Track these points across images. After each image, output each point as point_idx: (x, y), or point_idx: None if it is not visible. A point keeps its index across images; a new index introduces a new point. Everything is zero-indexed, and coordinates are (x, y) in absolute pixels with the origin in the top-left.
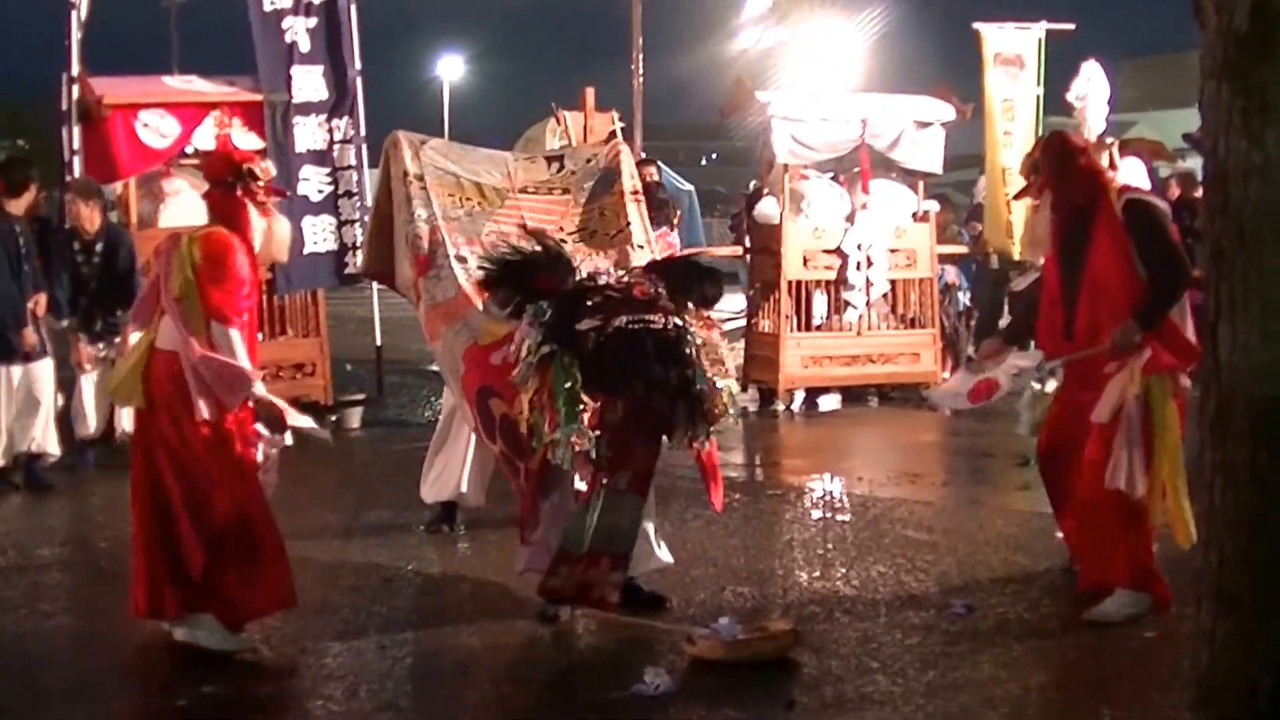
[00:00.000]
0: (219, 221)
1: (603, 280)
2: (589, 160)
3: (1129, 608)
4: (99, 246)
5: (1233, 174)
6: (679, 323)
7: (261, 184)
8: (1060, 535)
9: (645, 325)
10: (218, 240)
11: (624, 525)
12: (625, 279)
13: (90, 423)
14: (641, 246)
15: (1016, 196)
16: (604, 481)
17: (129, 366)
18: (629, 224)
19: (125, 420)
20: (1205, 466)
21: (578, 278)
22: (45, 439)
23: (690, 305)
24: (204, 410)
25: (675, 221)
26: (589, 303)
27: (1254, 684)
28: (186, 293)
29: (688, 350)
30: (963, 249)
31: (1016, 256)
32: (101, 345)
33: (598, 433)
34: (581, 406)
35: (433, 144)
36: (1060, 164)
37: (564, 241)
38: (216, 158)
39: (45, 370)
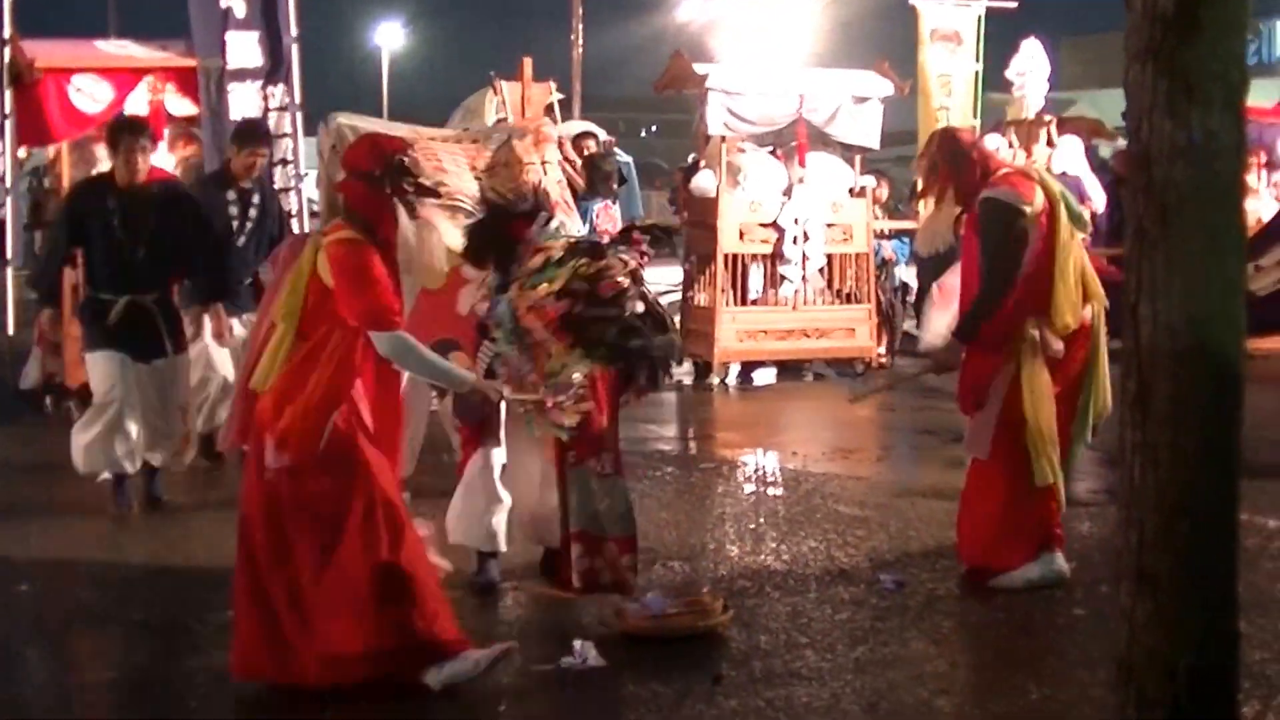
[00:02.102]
0: (353, 221)
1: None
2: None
3: (1032, 573)
4: (255, 198)
5: (1157, 155)
6: (639, 304)
7: (413, 181)
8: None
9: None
10: (347, 248)
11: (622, 509)
12: (598, 264)
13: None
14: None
15: (917, 197)
16: (591, 466)
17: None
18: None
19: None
20: (1125, 447)
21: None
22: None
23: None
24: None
25: (615, 192)
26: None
27: (1173, 664)
28: (290, 311)
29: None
30: (903, 224)
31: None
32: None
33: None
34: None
35: (342, 117)
36: (954, 159)
37: (478, 180)
38: (362, 145)
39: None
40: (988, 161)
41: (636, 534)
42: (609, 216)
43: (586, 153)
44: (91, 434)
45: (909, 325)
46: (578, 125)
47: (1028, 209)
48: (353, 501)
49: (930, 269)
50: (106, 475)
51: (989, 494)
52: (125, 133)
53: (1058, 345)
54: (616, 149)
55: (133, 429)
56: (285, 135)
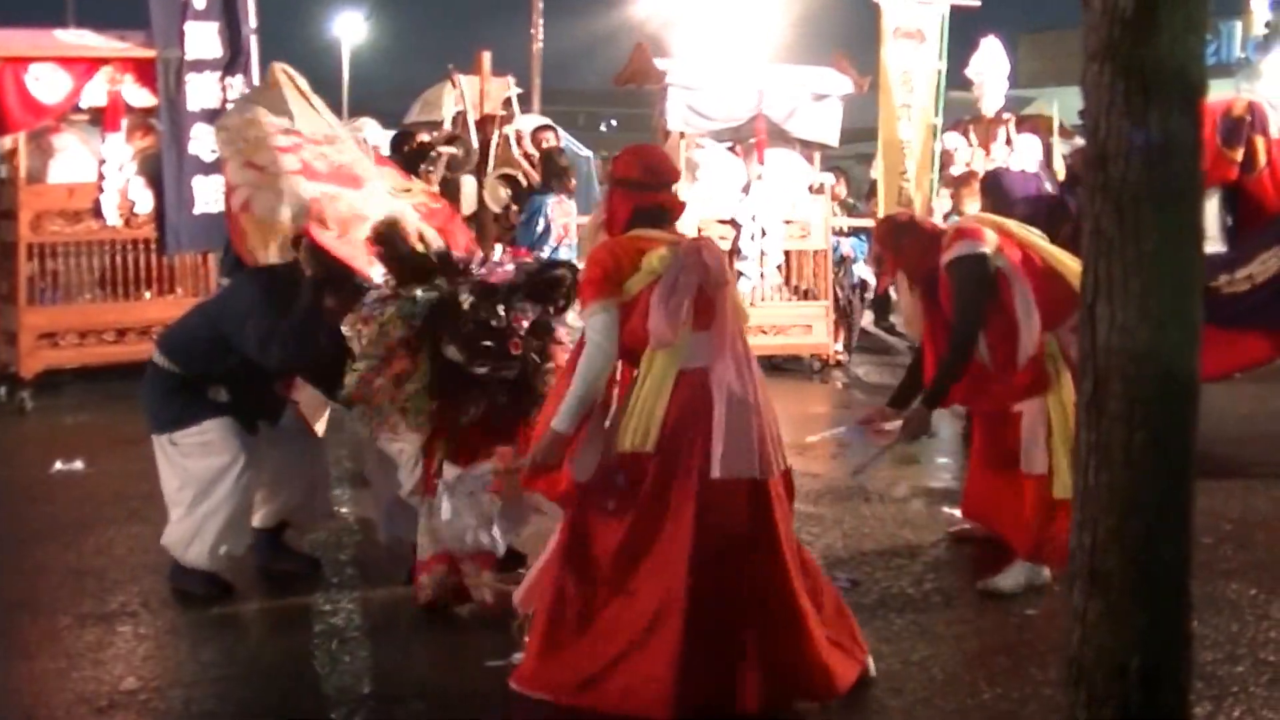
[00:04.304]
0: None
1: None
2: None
3: (1020, 579)
4: None
5: (1113, 154)
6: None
7: None
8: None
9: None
10: None
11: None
12: (506, 320)
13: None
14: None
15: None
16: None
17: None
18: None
19: None
20: (1081, 447)
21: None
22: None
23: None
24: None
25: (571, 188)
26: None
27: (1124, 663)
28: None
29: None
30: (862, 221)
31: None
32: None
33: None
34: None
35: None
36: (896, 245)
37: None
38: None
39: None
40: (928, 232)
41: (498, 553)
42: (563, 211)
43: (545, 145)
44: None
45: (866, 322)
46: (535, 119)
47: (987, 249)
48: None
49: None
50: None
51: (1024, 499)
52: None
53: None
54: (575, 142)
55: None
56: None
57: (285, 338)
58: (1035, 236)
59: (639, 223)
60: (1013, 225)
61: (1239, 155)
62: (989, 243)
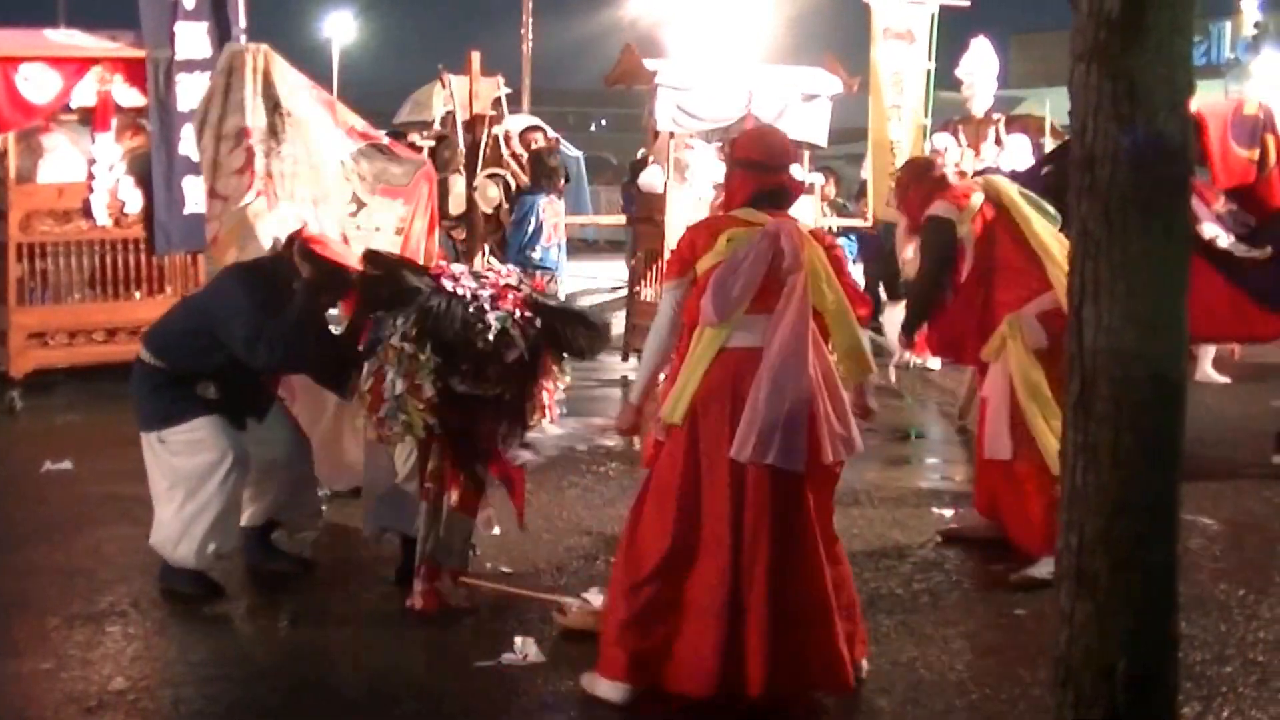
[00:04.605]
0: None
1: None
2: None
3: (1053, 566)
4: None
5: (1100, 156)
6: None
7: None
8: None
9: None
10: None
11: (457, 545)
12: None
13: None
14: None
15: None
16: (434, 496)
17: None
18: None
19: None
20: (1068, 448)
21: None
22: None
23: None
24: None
25: (561, 188)
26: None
27: (1111, 664)
28: (838, 296)
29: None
30: (852, 221)
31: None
32: None
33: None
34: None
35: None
36: (905, 188)
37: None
38: None
39: None
40: (934, 184)
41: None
42: (554, 211)
43: (533, 146)
44: None
45: None
46: (524, 119)
47: (954, 215)
48: None
49: (878, 266)
50: None
51: (1026, 493)
52: None
53: (1039, 336)
54: (564, 143)
55: None
56: None
57: (273, 340)
58: (1038, 213)
59: (757, 203)
60: (1018, 197)
61: (1256, 155)
62: (967, 209)
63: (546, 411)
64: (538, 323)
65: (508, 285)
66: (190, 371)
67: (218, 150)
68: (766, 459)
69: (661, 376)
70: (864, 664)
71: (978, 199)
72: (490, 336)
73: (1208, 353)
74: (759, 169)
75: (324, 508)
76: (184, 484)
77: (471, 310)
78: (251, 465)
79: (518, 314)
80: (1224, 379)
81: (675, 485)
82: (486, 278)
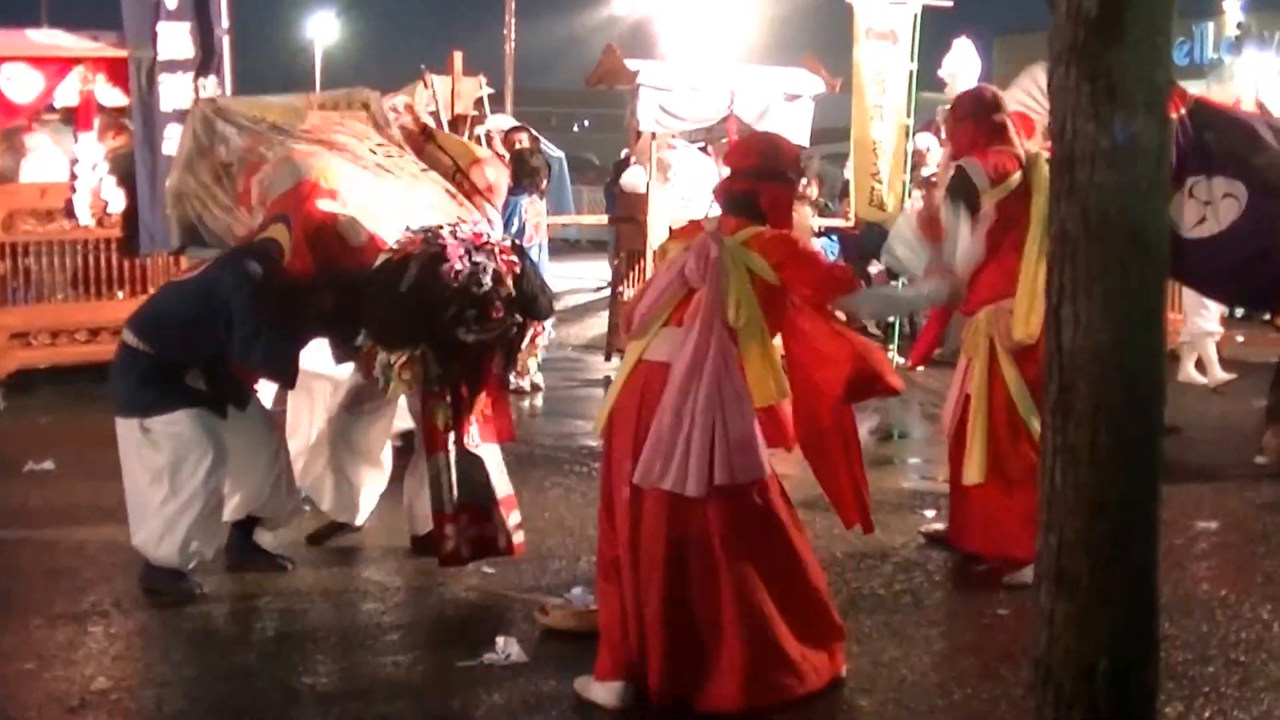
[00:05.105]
0: (764, 220)
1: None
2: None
3: None
4: None
5: (1079, 157)
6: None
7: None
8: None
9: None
10: (785, 238)
11: (481, 479)
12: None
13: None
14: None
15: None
16: (454, 441)
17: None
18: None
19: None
20: (1046, 449)
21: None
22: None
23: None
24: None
25: (543, 188)
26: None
27: (1091, 665)
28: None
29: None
30: (835, 221)
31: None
32: None
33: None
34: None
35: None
36: (957, 121)
37: (374, 151)
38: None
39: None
40: (991, 132)
41: (511, 491)
42: (535, 212)
43: (517, 146)
44: None
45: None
46: (508, 120)
47: (983, 183)
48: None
49: (860, 266)
50: None
51: (991, 488)
52: None
53: (1010, 341)
54: (547, 144)
55: None
56: None
57: (269, 349)
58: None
59: (728, 210)
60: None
61: None
62: (1001, 186)
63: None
64: (516, 260)
65: (479, 233)
66: (179, 360)
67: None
68: (663, 484)
69: None
70: (843, 666)
71: (1016, 179)
72: (486, 279)
73: (1191, 354)
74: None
75: (307, 508)
76: (165, 480)
77: (462, 263)
78: (229, 459)
79: (499, 253)
80: (1228, 375)
81: (603, 493)
82: (459, 229)
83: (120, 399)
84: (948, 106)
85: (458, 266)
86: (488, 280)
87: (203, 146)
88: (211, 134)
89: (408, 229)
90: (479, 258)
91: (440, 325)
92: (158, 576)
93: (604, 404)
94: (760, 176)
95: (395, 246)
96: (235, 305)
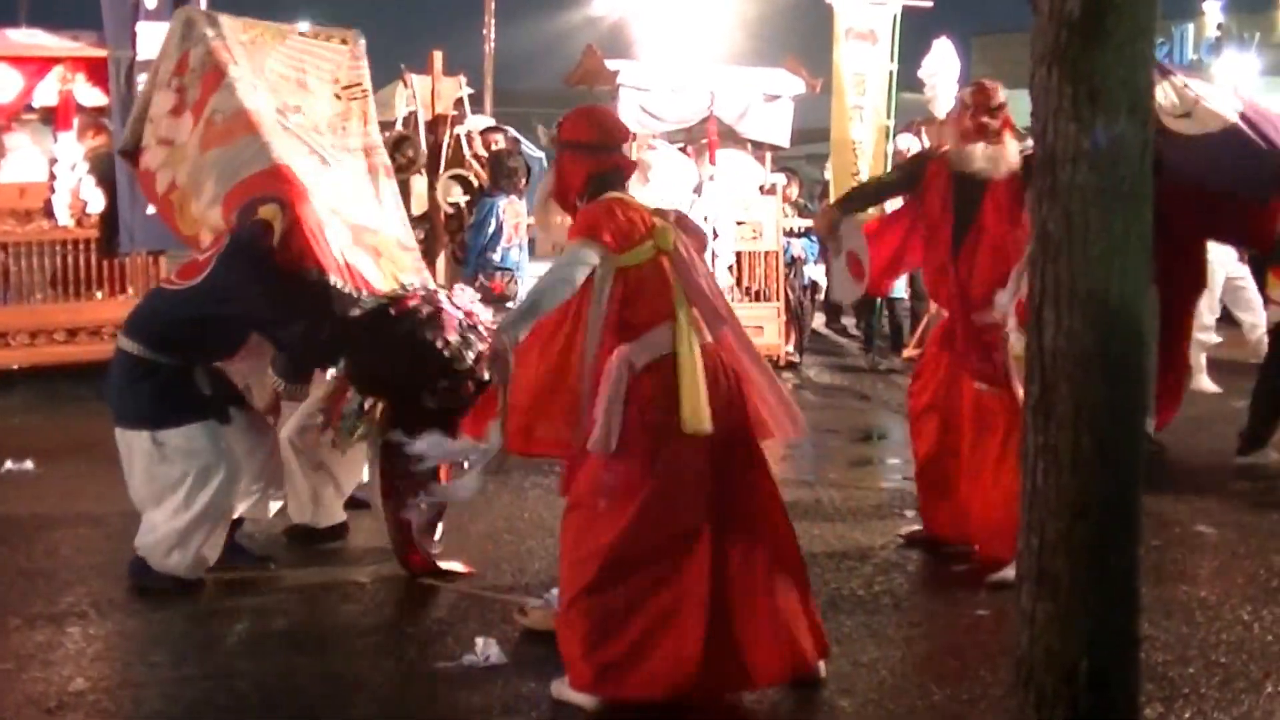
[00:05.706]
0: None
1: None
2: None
3: None
4: None
5: (1061, 159)
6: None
7: None
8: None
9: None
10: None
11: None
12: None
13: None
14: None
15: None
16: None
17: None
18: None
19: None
20: (1028, 450)
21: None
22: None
23: None
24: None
25: (522, 188)
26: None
27: (1073, 665)
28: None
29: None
30: (812, 222)
31: None
32: None
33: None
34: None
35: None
36: (960, 109)
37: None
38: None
39: None
40: (974, 129)
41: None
42: (514, 212)
43: (494, 147)
44: None
45: (818, 324)
46: (485, 120)
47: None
48: None
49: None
50: None
51: (997, 480)
52: None
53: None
54: (527, 144)
55: None
56: None
57: (319, 347)
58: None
59: (597, 188)
60: None
61: None
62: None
63: None
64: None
65: (472, 311)
66: (188, 363)
67: (157, 105)
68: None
69: None
70: (820, 664)
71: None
72: (469, 356)
73: (1203, 363)
74: (593, 150)
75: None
76: (179, 493)
77: (455, 335)
78: (240, 473)
79: (481, 329)
80: (1217, 388)
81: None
82: (456, 297)
83: (125, 411)
84: (929, 106)
85: (452, 339)
86: (470, 357)
87: (169, 51)
88: (190, 36)
89: (399, 282)
90: (471, 336)
91: (414, 381)
92: (158, 580)
93: (694, 398)
94: (620, 149)
95: (389, 295)
96: (261, 308)
